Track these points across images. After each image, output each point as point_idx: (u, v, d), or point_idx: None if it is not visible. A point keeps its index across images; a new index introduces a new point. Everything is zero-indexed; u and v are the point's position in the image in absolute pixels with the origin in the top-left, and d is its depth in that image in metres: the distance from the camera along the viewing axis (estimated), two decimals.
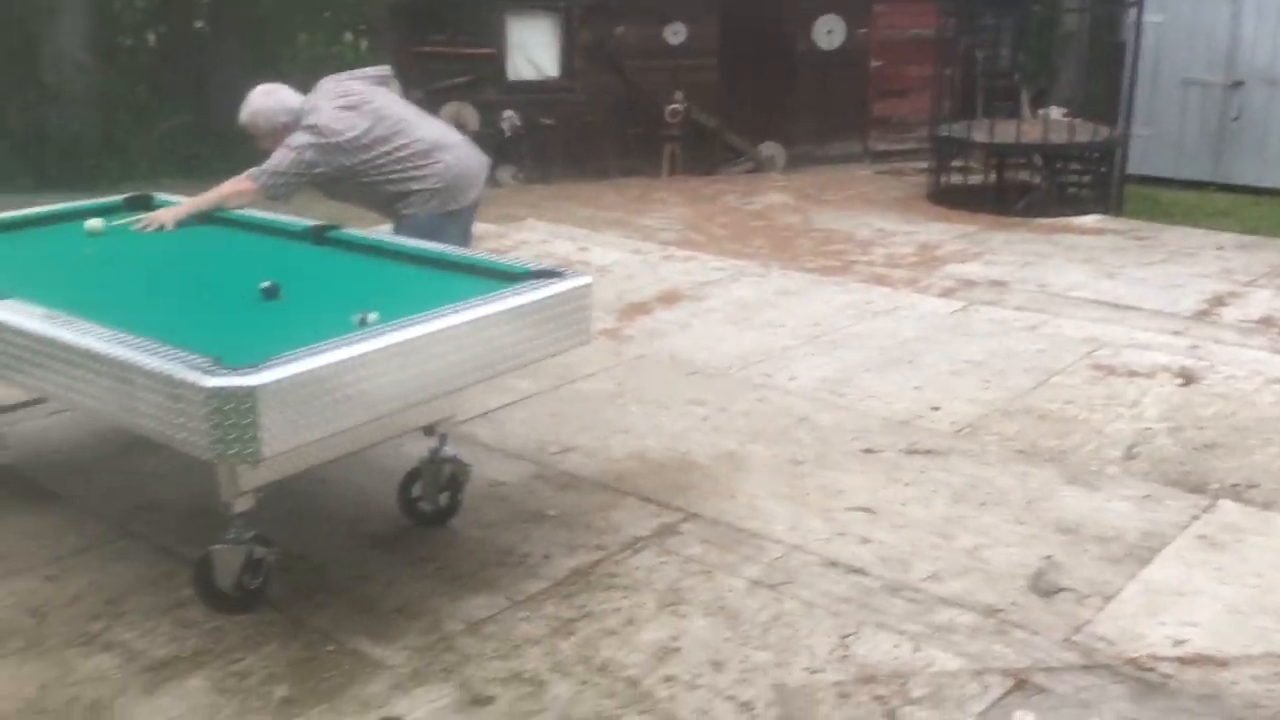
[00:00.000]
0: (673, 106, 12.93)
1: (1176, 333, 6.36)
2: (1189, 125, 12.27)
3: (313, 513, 3.91)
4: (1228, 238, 9.94)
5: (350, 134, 4.52)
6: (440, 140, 4.75)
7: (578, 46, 13.01)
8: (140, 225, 4.45)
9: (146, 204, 4.80)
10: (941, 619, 3.26)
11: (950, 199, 11.69)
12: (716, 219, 10.79)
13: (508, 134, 12.71)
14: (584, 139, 12.93)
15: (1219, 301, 7.38)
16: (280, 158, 4.48)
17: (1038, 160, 11.68)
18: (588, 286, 3.57)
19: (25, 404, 4.33)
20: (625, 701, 2.91)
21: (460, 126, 12.66)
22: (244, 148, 12.46)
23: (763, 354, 5.83)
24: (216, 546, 3.28)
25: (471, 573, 3.57)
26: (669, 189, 12.19)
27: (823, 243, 9.84)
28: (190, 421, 2.79)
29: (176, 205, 4.59)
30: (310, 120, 4.52)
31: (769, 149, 13.50)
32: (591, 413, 4.90)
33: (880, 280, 8.14)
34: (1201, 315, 6.88)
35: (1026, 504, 4.01)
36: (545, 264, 3.78)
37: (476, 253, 4.18)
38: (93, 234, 4.34)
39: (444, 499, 3.87)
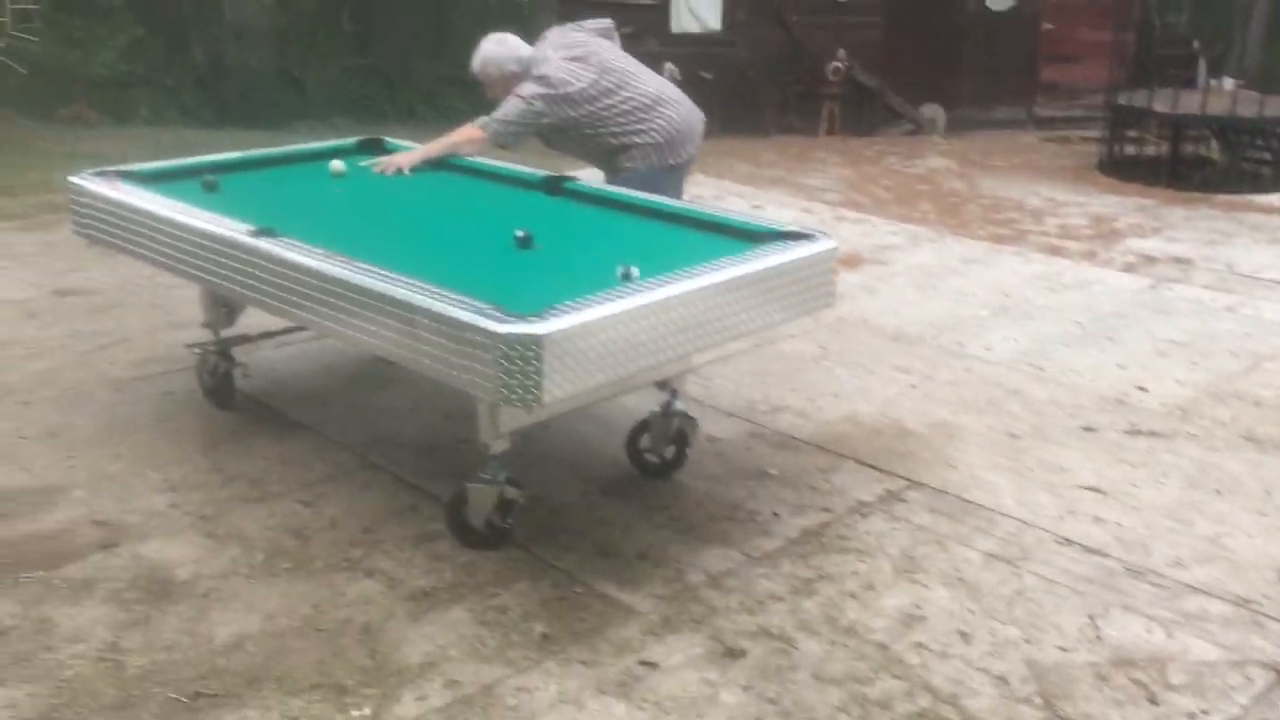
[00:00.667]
0: (835, 64, 12.74)
1: None
2: None
3: (542, 458, 4.02)
4: None
5: (578, 85, 4.58)
6: (662, 94, 4.80)
7: (740, 0, 12.91)
8: (379, 168, 4.59)
9: (379, 147, 4.94)
10: (1191, 606, 3.23)
11: (1123, 170, 11.34)
12: (879, 181, 10.66)
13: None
14: (743, 94, 12.85)
15: None
16: (510, 107, 4.57)
17: (1210, 134, 11.25)
18: (835, 250, 3.59)
19: (269, 334, 4.52)
20: (877, 665, 2.95)
21: None
22: (410, 91, 12.65)
23: (953, 322, 5.79)
24: (471, 484, 3.41)
25: (703, 525, 3.64)
26: (828, 148, 12.06)
27: (991, 210, 9.66)
28: (477, 365, 2.90)
29: (410, 150, 4.72)
30: (540, 70, 4.59)
31: (930, 111, 13.25)
32: (796, 374, 4.94)
33: (1056, 251, 7.96)
34: None
35: (1265, 494, 3.92)
36: (773, 224, 3.80)
37: (722, 210, 4.19)
38: (336, 175, 4.49)
39: (670, 452, 3.94)
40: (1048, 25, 13.78)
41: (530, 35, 4.83)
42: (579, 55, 4.72)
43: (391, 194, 4.36)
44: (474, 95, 13.18)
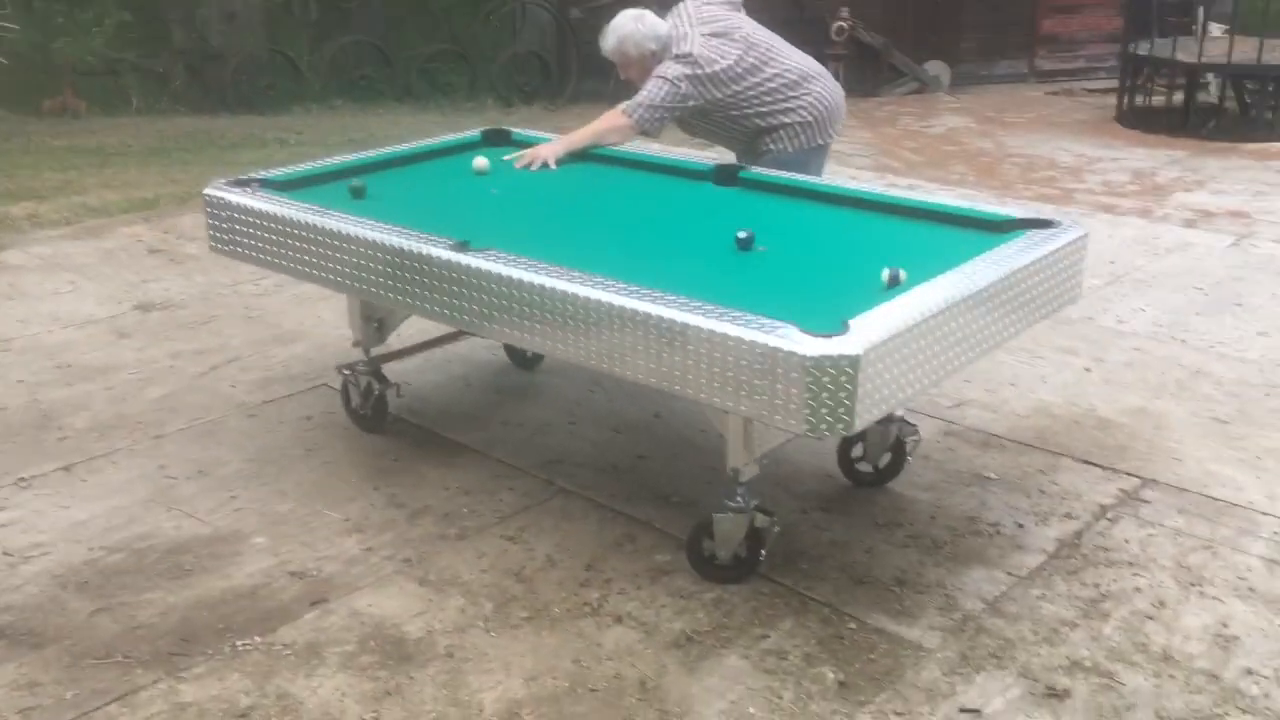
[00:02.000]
0: (839, 24, 12.42)
1: None
2: None
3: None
4: None
5: (724, 63, 4.26)
6: (808, 69, 4.49)
7: None
8: (523, 162, 4.24)
9: (505, 139, 4.58)
10: None
11: (1141, 121, 11.22)
12: (903, 143, 10.42)
13: None
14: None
15: None
16: (654, 90, 4.24)
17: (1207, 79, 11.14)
18: (1085, 238, 3.32)
19: (419, 348, 4.18)
20: (1217, 699, 2.72)
21: None
22: (407, 68, 12.12)
23: None
24: (719, 515, 3.11)
25: (949, 542, 3.38)
26: None
27: (1027, 169, 9.47)
28: (776, 391, 2.60)
29: (552, 141, 4.37)
30: (683, 49, 4.26)
31: (935, 68, 13.01)
32: None
33: (1109, 210, 7.81)
34: None
35: None
36: (1011, 210, 3.52)
37: (929, 196, 3.89)
38: (479, 173, 4.13)
39: (885, 460, 3.68)
40: None
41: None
42: (720, 30, 4.39)
43: (554, 191, 4.02)
44: (471, 70, 12.71)
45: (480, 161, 4.16)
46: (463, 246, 3.21)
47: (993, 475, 3.77)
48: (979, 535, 3.42)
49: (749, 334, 2.63)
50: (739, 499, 3.10)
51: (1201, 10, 13.44)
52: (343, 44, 12.00)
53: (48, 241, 6.13)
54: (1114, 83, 13.38)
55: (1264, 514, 3.51)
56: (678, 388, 2.81)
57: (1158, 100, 11.54)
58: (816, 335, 2.59)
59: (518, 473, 3.80)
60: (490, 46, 12.44)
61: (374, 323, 3.94)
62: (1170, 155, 9.91)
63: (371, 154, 4.32)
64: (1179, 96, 11.35)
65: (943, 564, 3.27)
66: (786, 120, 4.39)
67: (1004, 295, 3.00)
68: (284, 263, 3.60)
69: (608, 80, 12.09)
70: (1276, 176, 9.08)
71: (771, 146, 4.43)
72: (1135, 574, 3.21)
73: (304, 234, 3.48)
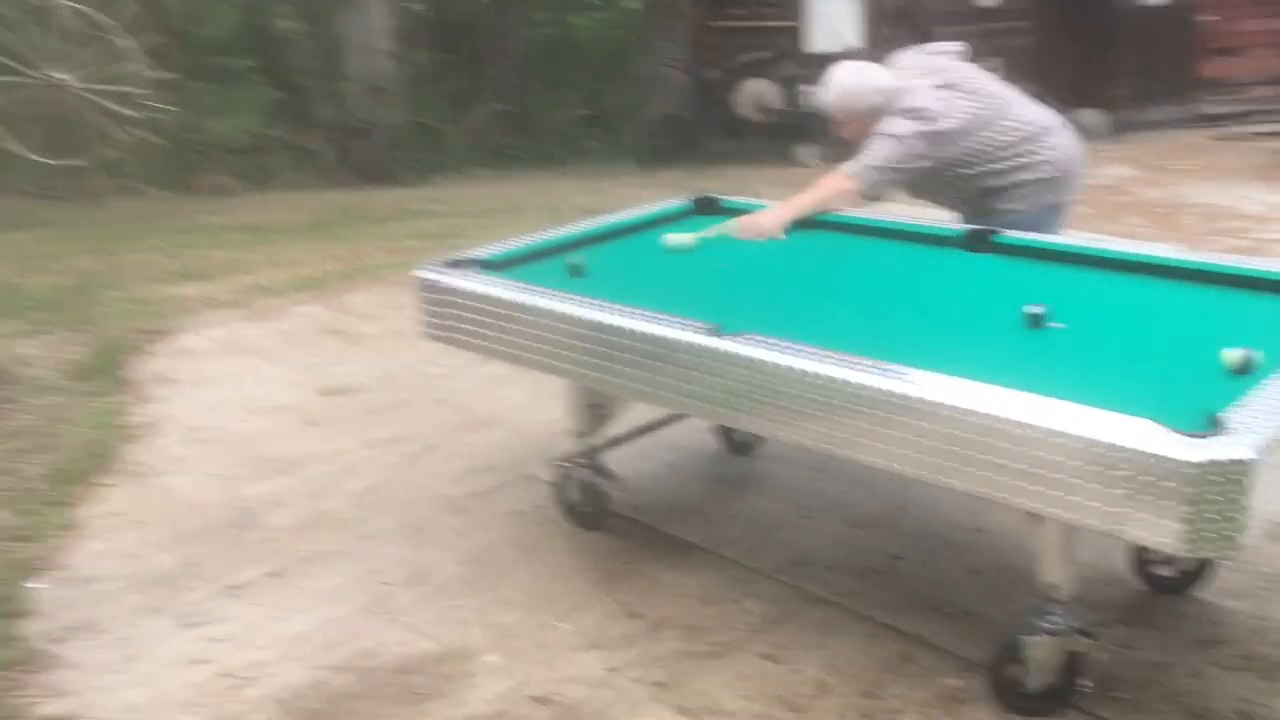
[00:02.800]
0: None
1: None
2: None
3: (1003, 574, 3.30)
4: None
5: (956, 117, 3.89)
6: (1047, 121, 4.09)
7: (882, 14, 12.21)
8: (746, 234, 3.90)
9: (714, 207, 4.26)
10: None
11: None
12: None
13: (809, 111, 12.02)
14: None
15: None
16: (883, 149, 3.88)
17: None
18: None
19: (631, 435, 3.84)
20: None
21: (762, 104, 12.10)
22: (546, 135, 12.01)
23: None
24: (1029, 637, 2.68)
25: None
26: None
27: (1210, 219, 8.87)
28: (1142, 504, 2.18)
29: (773, 208, 4.03)
30: (910, 102, 3.90)
31: (1089, 116, 12.46)
32: None
33: (1188, 252, 7.18)
34: None
35: None
36: None
37: (1209, 255, 3.44)
38: (679, 250, 3.78)
39: (1193, 565, 3.20)
40: (1209, 17, 12.96)
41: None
42: (950, 82, 4.03)
43: (789, 264, 3.68)
44: (608, 134, 12.58)
45: (679, 238, 3.82)
46: (717, 330, 2.86)
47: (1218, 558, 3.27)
48: None
49: (1104, 434, 2.22)
50: (1055, 619, 2.67)
51: None
52: (482, 113, 11.95)
53: (222, 324, 5.99)
54: None
55: None
56: (988, 490, 2.41)
57: None
58: (1192, 435, 2.17)
59: (759, 577, 3.42)
60: (628, 109, 12.29)
61: (596, 412, 3.61)
62: None
63: (582, 228, 4.03)
64: None
65: None
66: (1025, 178, 4.00)
67: None
68: (511, 350, 3.31)
69: (746, 139, 11.90)
70: None
71: (1006, 206, 4.03)
72: None
73: (535, 319, 3.19)
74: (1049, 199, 4.07)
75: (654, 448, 4.18)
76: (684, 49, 12.24)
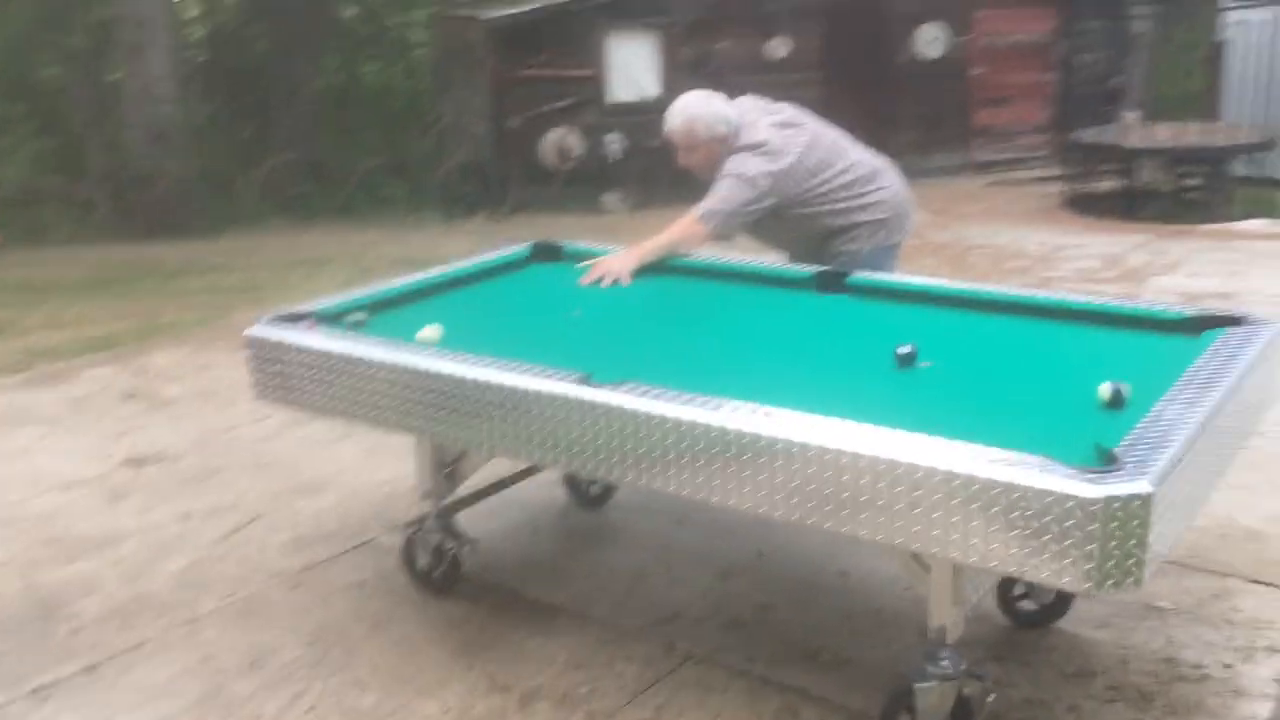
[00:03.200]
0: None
1: None
2: None
3: (855, 616, 3.27)
4: None
5: (796, 153, 3.90)
6: (877, 163, 4.16)
7: (679, 64, 12.44)
8: (591, 278, 3.78)
9: (557, 254, 4.12)
10: None
11: (1088, 207, 11.31)
12: None
13: (612, 159, 12.11)
14: None
15: None
16: (730, 191, 3.84)
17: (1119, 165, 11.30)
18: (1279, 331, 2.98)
19: (481, 494, 3.64)
20: None
21: (565, 153, 12.10)
22: (345, 185, 11.64)
23: None
24: (921, 685, 2.62)
25: (1159, 692, 2.95)
26: None
27: (997, 259, 9.35)
28: (1044, 544, 2.15)
29: (620, 253, 3.92)
30: (754, 139, 3.88)
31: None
32: None
33: (1096, 297, 7.62)
34: None
35: None
36: (1191, 307, 3.17)
37: (1087, 296, 3.50)
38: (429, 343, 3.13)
39: (1051, 596, 3.24)
40: (978, 69, 13.78)
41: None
42: (788, 121, 4.04)
43: (643, 309, 3.57)
44: (410, 183, 12.29)
45: (430, 333, 3.18)
46: (588, 380, 2.72)
47: (1166, 604, 3.35)
48: (1186, 680, 2.99)
49: (1003, 474, 2.18)
50: (946, 663, 2.62)
51: (1124, 99, 13.78)
52: (275, 163, 11.47)
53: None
54: (1048, 171, 13.58)
55: None
56: (879, 535, 2.34)
57: (1104, 186, 11.67)
58: (1091, 472, 2.16)
59: (628, 637, 3.27)
60: (429, 159, 12.06)
61: (446, 469, 3.40)
62: (1131, 240, 9.88)
63: (420, 277, 3.81)
64: (1112, 183, 11.48)
65: None
66: (863, 218, 4.04)
67: (1240, 406, 2.63)
68: (359, 409, 3.07)
69: (550, 187, 11.84)
70: (1242, 256, 9.07)
71: (846, 247, 4.05)
72: None
73: (388, 374, 2.96)
74: (885, 239, 4.12)
75: (501, 505, 3.98)
76: (485, 97, 12.11)
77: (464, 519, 3.56)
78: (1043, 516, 2.15)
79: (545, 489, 4.17)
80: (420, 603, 3.46)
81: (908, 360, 2.90)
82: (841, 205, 3.99)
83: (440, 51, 13.96)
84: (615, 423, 2.62)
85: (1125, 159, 11.34)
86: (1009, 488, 2.18)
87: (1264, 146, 10.76)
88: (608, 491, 4.06)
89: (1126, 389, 2.58)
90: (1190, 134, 10.80)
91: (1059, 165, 12.74)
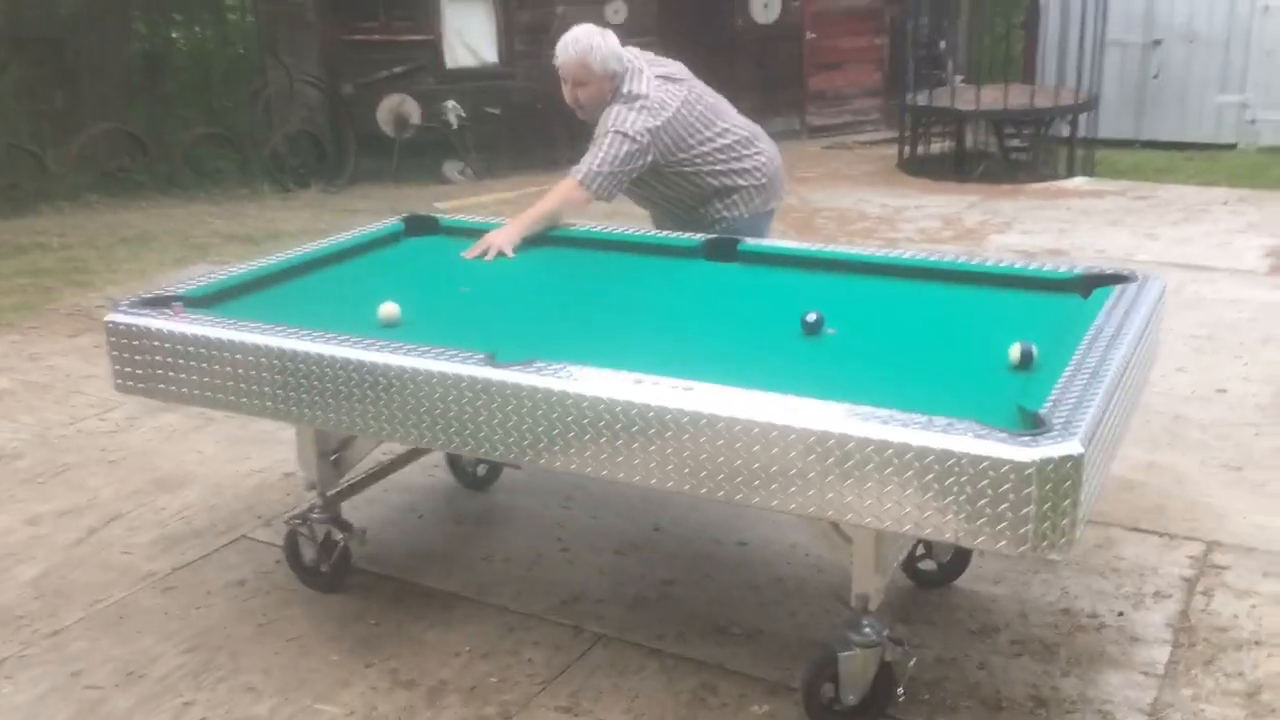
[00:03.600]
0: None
1: None
2: (1109, 85, 12.50)
3: (768, 590, 3.26)
4: (1217, 193, 10.16)
5: (674, 106, 3.82)
6: (754, 128, 4.12)
7: (517, 29, 12.21)
8: (475, 252, 3.63)
9: (432, 226, 3.94)
10: None
11: (923, 169, 11.62)
12: None
13: (455, 126, 11.81)
14: (531, 128, 12.16)
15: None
16: (610, 150, 3.71)
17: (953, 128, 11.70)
18: (1164, 289, 3.06)
19: (366, 481, 3.47)
20: None
21: (402, 120, 11.73)
22: (173, 156, 11.10)
23: None
24: (845, 653, 2.61)
25: (1060, 643, 3.02)
26: None
27: (842, 222, 9.52)
28: (980, 509, 2.15)
29: (504, 225, 3.77)
30: (636, 89, 3.77)
31: None
32: None
33: (926, 252, 7.86)
34: (1278, 270, 6.90)
35: None
36: (1080, 267, 3.22)
37: (978, 257, 3.50)
38: (388, 323, 2.98)
39: (949, 555, 3.28)
40: (811, 35, 13.96)
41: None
42: (670, 75, 3.95)
43: (535, 283, 3.44)
44: (240, 155, 11.74)
45: (388, 310, 3.02)
46: (492, 360, 2.60)
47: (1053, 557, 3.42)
48: (1085, 630, 3.06)
49: (938, 440, 2.16)
50: (868, 631, 2.61)
51: (950, 63, 14.18)
52: (93, 134, 10.75)
53: None
54: (882, 134, 13.90)
55: None
56: (806, 508, 2.30)
57: (936, 148, 11.99)
58: (1022, 436, 2.16)
59: (534, 621, 3.16)
60: (258, 128, 11.50)
61: (331, 458, 3.22)
62: (965, 200, 10.20)
63: (287, 256, 3.58)
64: (943, 145, 11.83)
65: (1070, 672, 2.89)
66: (741, 183, 3.98)
67: (1139, 362, 2.68)
68: (236, 398, 2.86)
69: (389, 159, 11.46)
70: (1069, 214, 9.47)
71: (724, 213, 3.99)
72: (1270, 655, 2.94)
73: (270, 360, 2.76)
74: (762, 204, 4.09)
75: (382, 491, 3.81)
76: (316, 64, 11.61)
77: (344, 508, 3.38)
78: (978, 481, 2.14)
79: (427, 472, 4.01)
80: (308, 599, 3.28)
81: (814, 327, 2.87)
82: (721, 167, 3.93)
83: (263, 16, 13.32)
84: (525, 403, 2.50)
85: (955, 121, 11.66)
86: (943, 454, 2.16)
87: (1084, 107, 11.22)
88: (494, 472, 3.93)
89: (1035, 349, 2.60)
90: (1014, 96, 11.16)
91: (892, 128, 13.06)
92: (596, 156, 3.72)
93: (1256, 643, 2.98)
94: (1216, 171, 11.22)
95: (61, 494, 3.96)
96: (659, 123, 3.75)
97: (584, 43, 3.75)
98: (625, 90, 3.77)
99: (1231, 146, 12.60)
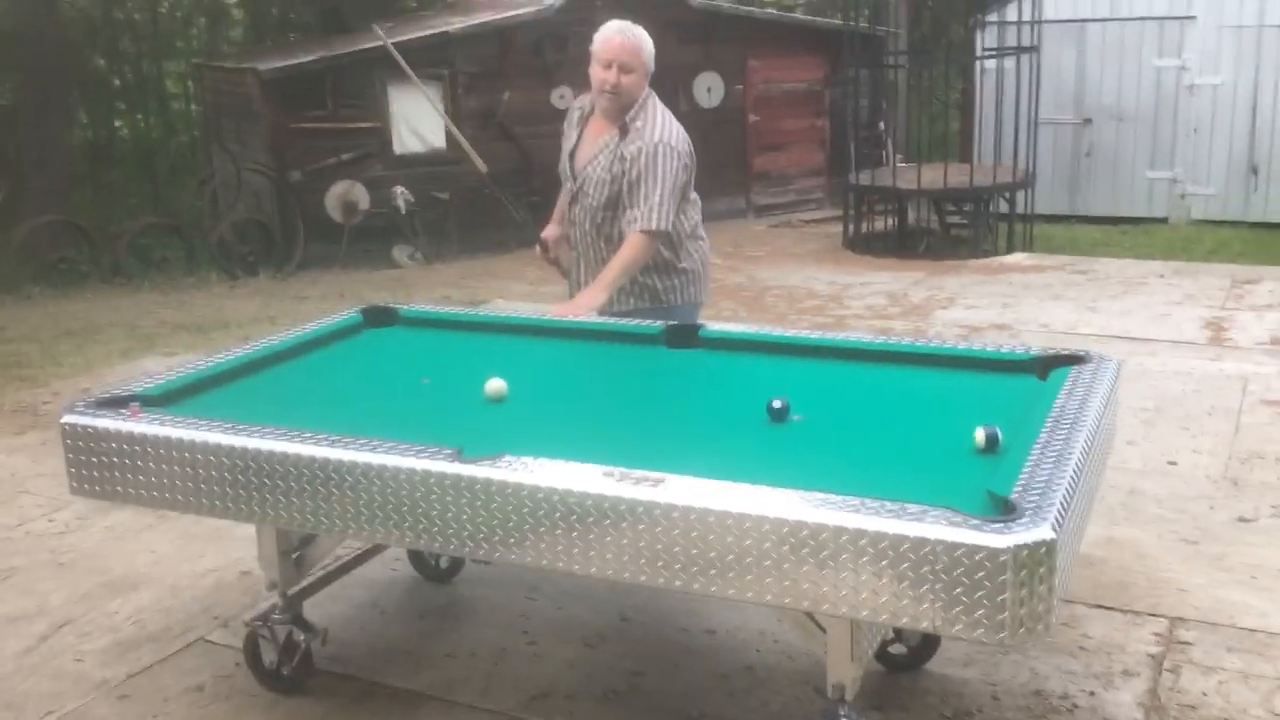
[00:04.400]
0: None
1: (1257, 361, 6.49)
2: (1044, 163, 12.86)
3: (738, 673, 3.23)
4: (1152, 266, 10.43)
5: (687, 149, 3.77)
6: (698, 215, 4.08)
7: (464, 115, 12.33)
8: (564, 315, 3.67)
9: (388, 317, 3.92)
10: None
11: (867, 247, 11.82)
12: None
13: (403, 211, 11.85)
14: (479, 211, 12.24)
15: (1219, 327, 7.64)
16: (666, 179, 3.66)
17: (893, 205, 11.94)
18: (1119, 368, 3.12)
19: (325, 580, 3.40)
20: None
21: (351, 206, 11.75)
22: (118, 246, 10.90)
23: None
24: None
25: None
26: None
27: (791, 300, 9.64)
28: (955, 597, 2.15)
29: (586, 292, 3.76)
30: (659, 118, 3.74)
31: None
32: None
33: (886, 333, 7.97)
34: (1218, 341, 7.08)
35: None
36: (1037, 348, 3.27)
37: (937, 340, 3.52)
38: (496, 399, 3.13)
39: (919, 639, 3.28)
40: (754, 117, 14.24)
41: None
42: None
43: (490, 373, 3.40)
44: (187, 243, 11.63)
45: (495, 386, 3.13)
46: (459, 455, 2.58)
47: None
48: (1058, 712, 3.07)
49: (912, 528, 2.17)
50: (845, 718, 2.59)
51: (890, 143, 14.52)
52: (35, 225, 10.65)
53: None
54: (826, 212, 14.15)
55: None
56: (782, 599, 2.29)
57: (879, 226, 12.21)
58: (994, 521, 2.17)
59: (503, 719, 3.10)
60: (203, 216, 11.47)
61: (293, 556, 3.16)
62: (910, 276, 10.37)
63: (245, 350, 3.54)
64: (886, 223, 12.05)
65: None
66: (687, 266, 3.97)
67: (1101, 442, 2.72)
68: (199, 499, 2.81)
69: (338, 244, 11.45)
70: (1011, 288, 9.66)
71: (667, 297, 3.93)
72: None
73: (233, 460, 2.71)
74: (698, 295, 4.03)
75: (342, 588, 3.74)
76: (262, 151, 11.64)
77: (305, 607, 3.31)
78: (953, 569, 2.15)
79: (388, 566, 3.94)
80: (269, 703, 3.19)
81: (780, 414, 2.88)
82: (689, 236, 3.92)
83: (208, 104, 13.36)
84: (495, 498, 2.48)
85: (897, 199, 11.90)
86: (918, 542, 2.17)
87: (1021, 184, 11.51)
88: (456, 564, 3.88)
89: (999, 433, 2.63)
90: (954, 174, 11.43)
91: (835, 207, 13.30)
92: (655, 194, 3.63)
93: (1226, 719, 2.99)
94: (1151, 245, 11.54)
95: (9, 599, 3.84)
96: (684, 164, 3.71)
97: (639, 32, 3.71)
98: (652, 103, 3.73)
99: (1163, 220, 12.98)
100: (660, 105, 3.78)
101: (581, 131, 3.89)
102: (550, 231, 4.15)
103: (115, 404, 2.98)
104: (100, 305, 9.65)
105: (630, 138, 3.72)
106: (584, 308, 3.64)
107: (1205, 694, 3.11)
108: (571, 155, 3.89)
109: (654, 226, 3.65)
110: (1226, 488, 4.53)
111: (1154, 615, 3.53)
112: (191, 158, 13.27)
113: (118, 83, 16.58)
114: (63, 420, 2.94)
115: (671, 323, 3.65)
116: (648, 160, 3.67)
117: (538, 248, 4.15)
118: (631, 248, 3.68)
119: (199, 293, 10.28)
